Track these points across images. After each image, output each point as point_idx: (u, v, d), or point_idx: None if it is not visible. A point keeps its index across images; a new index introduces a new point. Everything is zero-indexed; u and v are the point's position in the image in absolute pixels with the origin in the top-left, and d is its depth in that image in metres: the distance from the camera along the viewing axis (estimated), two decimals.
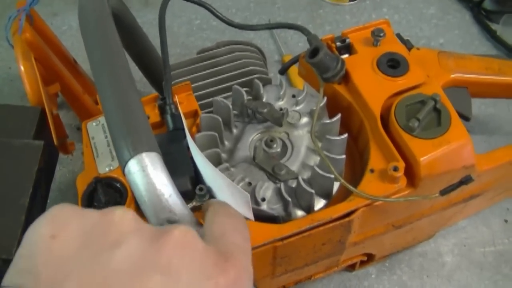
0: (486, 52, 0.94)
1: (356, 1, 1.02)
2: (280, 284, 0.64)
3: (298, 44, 0.95)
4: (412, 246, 0.72)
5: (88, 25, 0.48)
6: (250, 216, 0.46)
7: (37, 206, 0.55)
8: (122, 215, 0.26)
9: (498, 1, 0.98)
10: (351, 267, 0.69)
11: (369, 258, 0.67)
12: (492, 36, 0.95)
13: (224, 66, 0.64)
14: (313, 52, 0.54)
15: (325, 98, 0.55)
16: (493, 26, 0.96)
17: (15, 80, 0.91)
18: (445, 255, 0.73)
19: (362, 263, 0.68)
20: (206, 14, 0.99)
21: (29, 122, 0.60)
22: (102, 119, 0.55)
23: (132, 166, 0.37)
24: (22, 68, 0.63)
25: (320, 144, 0.53)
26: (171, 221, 0.33)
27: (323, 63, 0.54)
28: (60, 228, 0.25)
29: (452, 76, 0.63)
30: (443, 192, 0.51)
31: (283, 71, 0.67)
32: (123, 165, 0.38)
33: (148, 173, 0.36)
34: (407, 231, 0.62)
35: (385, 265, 0.72)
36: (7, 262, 0.43)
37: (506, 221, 0.76)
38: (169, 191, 0.36)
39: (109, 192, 0.49)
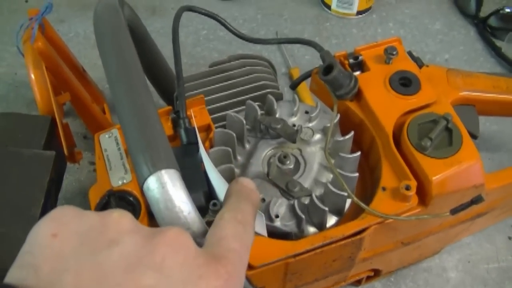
0: (491, 68, 0.95)
1: (362, 15, 1.03)
2: None
3: (305, 57, 0.95)
4: (417, 262, 0.72)
5: (104, 37, 0.48)
6: (264, 233, 0.46)
7: None
8: (119, 216, 0.28)
9: (504, 18, 0.99)
10: (358, 282, 0.69)
11: (376, 273, 0.67)
12: (497, 53, 0.96)
13: (236, 80, 0.64)
14: (327, 69, 0.54)
15: (338, 115, 0.56)
16: (498, 43, 0.97)
17: (21, 86, 0.91)
18: (450, 270, 0.73)
19: (369, 278, 0.68)
20: (213, 25, 1.00)
21: (39, 131, 0.60)
22: (114, 131, 0.54)
23: (152, 183, 0.37)
24: (33, 76, 0.63)
25: (333, 161, 0.53)
26: None
27: (337, 80, 0.54)
28: (61, 227, 0.27)
29: (460, 94, 0.63)
30: (454, 211, 0.52)
31: (294, 86, 0.67)
32: (141, 181, 0.38)
33: (167, 190, 0.37)
34: (414, 248, 0.62)
35: (390, 280, 0.72)
36: None
37: (510, 238, 0.77)
38: (188, 209, 0.36)
39: (122, 205, 0.49)
